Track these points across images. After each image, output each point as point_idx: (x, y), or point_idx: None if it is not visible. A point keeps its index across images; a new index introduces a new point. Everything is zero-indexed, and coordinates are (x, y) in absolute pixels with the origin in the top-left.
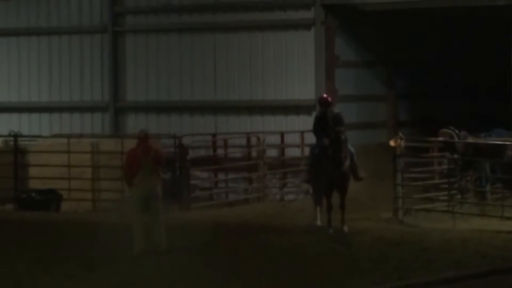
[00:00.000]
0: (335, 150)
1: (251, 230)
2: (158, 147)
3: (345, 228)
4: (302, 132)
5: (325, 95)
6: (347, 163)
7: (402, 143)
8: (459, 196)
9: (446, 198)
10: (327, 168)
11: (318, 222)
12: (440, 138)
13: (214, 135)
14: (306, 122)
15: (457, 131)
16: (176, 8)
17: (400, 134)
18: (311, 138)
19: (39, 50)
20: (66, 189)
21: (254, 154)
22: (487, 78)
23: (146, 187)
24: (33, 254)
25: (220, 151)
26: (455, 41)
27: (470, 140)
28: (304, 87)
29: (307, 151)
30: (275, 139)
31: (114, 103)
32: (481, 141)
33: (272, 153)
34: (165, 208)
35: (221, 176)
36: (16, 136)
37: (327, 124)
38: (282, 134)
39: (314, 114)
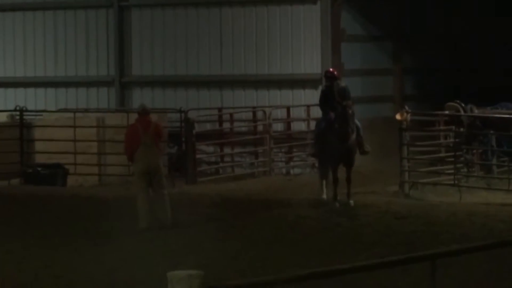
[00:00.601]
0: (342, 124)
1: (257, 204)
2: (158, 122)
3: (351, 202)
4: (308, 106)
5: (331, 69)
6: (353, 136)
7: (408, 117)
8: (465, 170)
9: (452, 171)
10: (333, 141)
11: (324, 196)
12: (446, 112)
13: (220, 109)
14: (312, 96)
15: (463, 105)
16: None
17: (406, 108)
18: (317, 112)
19: (44, 25)
20: (72, 164)
21: (260, 128)
22: (497, 51)
23: (147, 162)
24: (39, 228)
25: (226, 125)
26: (464, 15)
27: (477, 113)
28: (310, 61)
29: (313, 125)
30: (281, 113)
31: (120, 78)
32: (488, 114)
33: (278, 127)
34: (171, 183)
35: (227, 150)
36: (22, 110)
37: (333, 98)
38: (288, 108)
39: (320, 88)
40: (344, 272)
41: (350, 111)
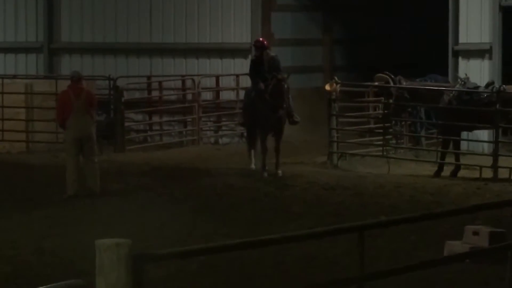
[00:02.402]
0: (275, 97)
1: (185, 172)
2: (90, 89)
3: (279, 172)
4: (237, 76)
5: (261, 39)
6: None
7: (338, 88)
8: (393, 141)
9: (380, 143)
10: (263, 111)
11: (252, 166)
12: (376, 83)
13: (149, 77)
14: (241, 65)
15: (392, 76)
16: None
17: (336, 78)
18: (246, 82)
19: None
20: (0, 130)
21: (189, 97)
22: (423, 24)
23: (79, 129)
24: None
25: (155, 94)
26: None
27: (405, 84)
28: (240, 30)
29: (242, 94)
30: (210, 82)
31: (49, 44)
32: (416, 86)
33: (207, 96)
34: (99, 151)
35: (155, 118)
36: None
37: (263, 68)
38: (217, 77)
39: (250, 57)
40: (273, 243)
41: (285, 85)
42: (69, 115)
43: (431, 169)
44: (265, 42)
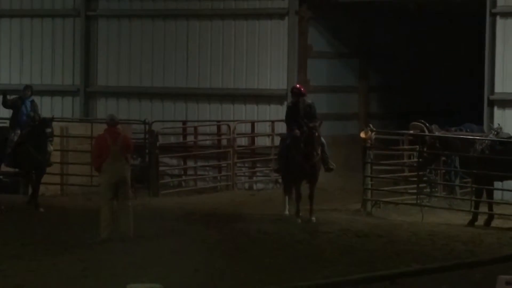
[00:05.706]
0: (308, 145)
1: (219, 218)
2: (127, 133)
3: (313, 219)
4: (272, 122)
5: (298, 85)
6: (318, 155)
7: (373, 135)
8: (428, 190)
9: (415, 191)
10: (297, 158)
11: (286, 212)
12: (410, 131)
13: (184, 122)
14: (277, 111)
15: (427, 125)
16: None
17: (371, 126)
18: (281, 128)
19: (10, 33)
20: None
21: (224, 142)
22: (459, 72)
23: (114, 173)
24: None
25: (190, 139)
26: (430, 34)
27: (438, 133)
28: (276, 76)
29: (277, 140)
30: (245, 128)
31: (85, 88)
32: (449, 135)
33: (242, 141)
34: (134, 195)
35: (190, 163)
36: None
37: (299, 115)
38: (252, 123)
39: (285, 104)
40: None
41: (316, 133)
42: (106, 159)
43: (465, 218)
44: (302, 89)
